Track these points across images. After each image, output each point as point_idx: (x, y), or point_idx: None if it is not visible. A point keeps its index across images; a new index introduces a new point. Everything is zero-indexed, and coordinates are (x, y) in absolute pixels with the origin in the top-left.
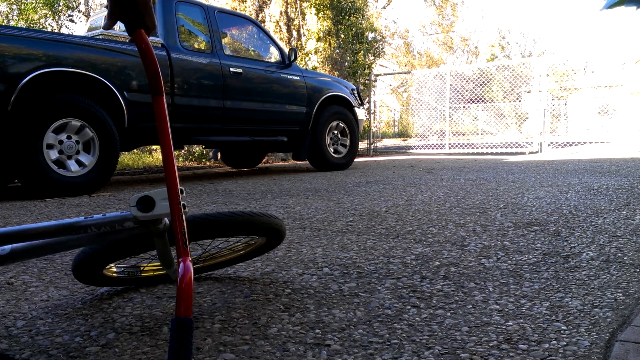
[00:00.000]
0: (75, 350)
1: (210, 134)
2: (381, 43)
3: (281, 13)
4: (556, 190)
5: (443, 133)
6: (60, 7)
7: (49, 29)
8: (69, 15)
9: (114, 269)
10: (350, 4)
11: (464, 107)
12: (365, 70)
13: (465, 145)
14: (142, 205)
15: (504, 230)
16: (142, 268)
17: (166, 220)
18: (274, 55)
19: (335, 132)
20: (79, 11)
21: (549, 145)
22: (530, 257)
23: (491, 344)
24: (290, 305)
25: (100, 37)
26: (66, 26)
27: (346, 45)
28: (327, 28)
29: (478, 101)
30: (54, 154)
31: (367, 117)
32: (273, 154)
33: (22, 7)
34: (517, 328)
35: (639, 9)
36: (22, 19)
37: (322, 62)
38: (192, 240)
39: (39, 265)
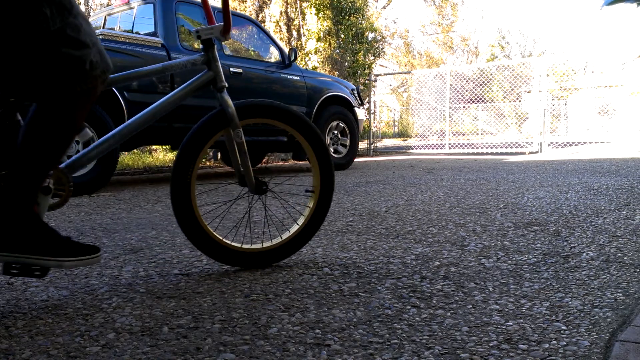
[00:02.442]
0: (75, 350)
1: None
2: (381, 43)
3: (281, 13)
4: (556, 190)
5: (443, 133)
6: None
7: None
8: None
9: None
10: (350, 4)
11: (464, 107)
12: (365, 70)
13: (465, 145)
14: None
15: (504, 230)
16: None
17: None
18: (274, 55)
19: (335, 132)
20: None
21: (549, 145)
22: (530, 257)
23: (491, 344)
24: (290, 305)
25: (100, 37)
26: None
27: (346, 45)
28: (327, 28)
29: (478, 101)
30: None
31: (367, 117)
32: (273, 154)
33: None
34: (517, 328)
35: (639, 6)
36: None
37: (322, 62)
38: (245, 118)
39: None
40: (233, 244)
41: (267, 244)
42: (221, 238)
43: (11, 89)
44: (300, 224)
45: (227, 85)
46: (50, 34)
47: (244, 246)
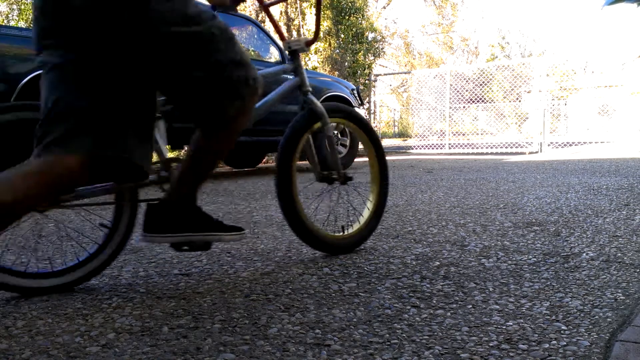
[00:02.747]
0: (75, 350)
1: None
2: (381, 43)
3: (281, 13)
4: (556, 190)
5: (443, 133)
6: None
7: None
8: None
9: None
10: (350, 4)
11: (464, 107)
12: (365, 70)
13: (465, 145)
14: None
15: (504, 230)
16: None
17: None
18: (274, 56)
19: (335, 132)
20: None
21: (549, 145)
22: (530, 257)
23: (491, 344)
24: (290, 305)
25: None
26: None
27: (346, 45)
28: (327, 28)
29: (478, 101)
30: None
31: (367, 117)
32: (273, 154)
33: (22, 7)
34: (517, 328)
35: (639, 6)
36: (22, 19)
37: (322, 62)
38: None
39: (39, 265)
40: (328, 233)
41: (348, 232)
42: (317, 227)
43: (192, 114)
44: (371, 204)
45: (310, 89)
46: (225, 63)
47: (337, 234)
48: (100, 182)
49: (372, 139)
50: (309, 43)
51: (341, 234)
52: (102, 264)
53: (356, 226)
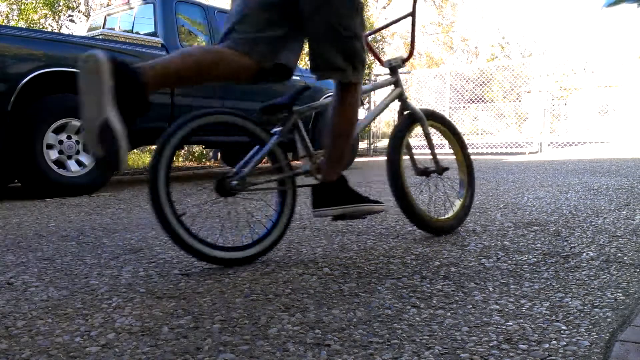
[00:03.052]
0: (75, 350)
1: (210, 134)
2: (381, 43)
3: None
4: (556, 190)
5: None
6: (60, 7)
7: (49, 29)
8: (69, 16)
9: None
10: None
11: (464, 107)
12: (366, 70)
13: None
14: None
15: (504, 230)
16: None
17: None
18: None
19: None
20: (79, 11)
21: (549, 145)
22: (530, 257)
23: (491, 344)
24: (290, 305)
25: (100, 37)
26: (66, 26)
27: None
28: None
29: (478, 101)
30: (54, 154)
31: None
32: None
33: (22, 7)
34: (517, 328)
35: (639, 7)
36: (22, 19)
37: None
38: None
39: (39, 265)
40: (434, 216)
41: (446, 216)
42: (425, 212)
43: (322, 65)
44: (464, 192)
45: (407, 97)
46: (359, 35)
47: (441, 217)
48: (258, 81)
49: (459, 139)
50: (404, 60)
51: (444, 217)
52: (275, 240)
53: (456, 209)
